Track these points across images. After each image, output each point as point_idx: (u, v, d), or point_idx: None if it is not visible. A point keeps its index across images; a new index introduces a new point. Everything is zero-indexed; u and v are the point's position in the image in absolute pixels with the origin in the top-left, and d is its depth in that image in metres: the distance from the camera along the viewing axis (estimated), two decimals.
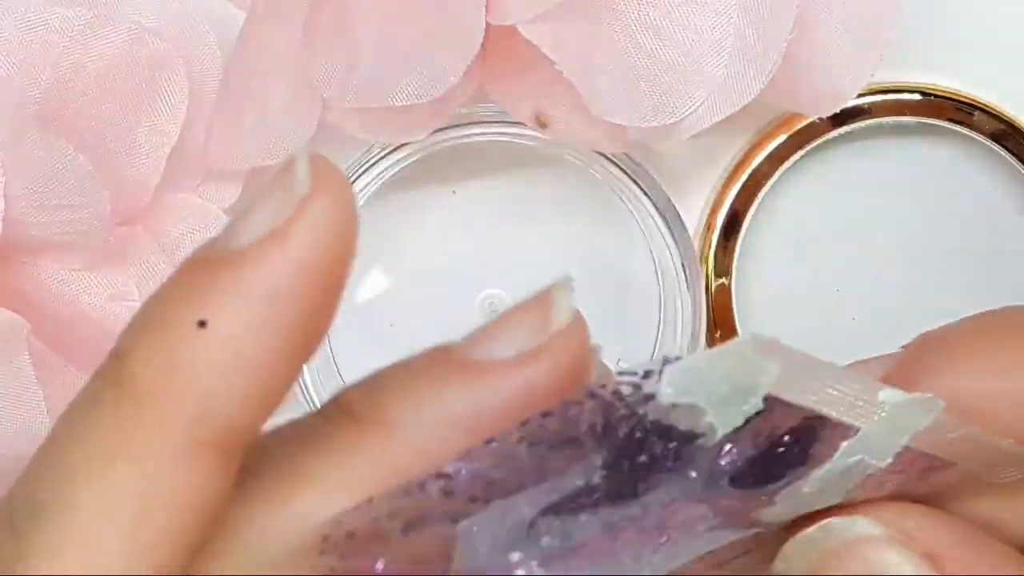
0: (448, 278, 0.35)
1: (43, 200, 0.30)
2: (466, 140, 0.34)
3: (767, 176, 0.35)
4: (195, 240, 0.32)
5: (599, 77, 0.30)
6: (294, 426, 0.21)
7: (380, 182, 0.34)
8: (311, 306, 0.19)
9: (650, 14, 0.30)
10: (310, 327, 0.19)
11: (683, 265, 0.34)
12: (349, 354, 0.36)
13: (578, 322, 0.20)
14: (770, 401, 0.18)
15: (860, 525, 0.21)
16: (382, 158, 0.33)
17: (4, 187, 0.29)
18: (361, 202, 0.34)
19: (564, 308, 0.20)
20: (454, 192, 0.36)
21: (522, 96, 0.32)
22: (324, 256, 0.19)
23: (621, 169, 0.34)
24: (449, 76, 0.30)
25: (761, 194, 0.35)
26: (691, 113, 0.30)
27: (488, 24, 0.30)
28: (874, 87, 0.35)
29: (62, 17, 0.30)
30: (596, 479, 0.18)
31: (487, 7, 0.29)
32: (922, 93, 0.35)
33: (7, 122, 0.29)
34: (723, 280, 0.36)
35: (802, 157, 0.35)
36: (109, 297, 0.32)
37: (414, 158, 0.34)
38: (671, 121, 0.30)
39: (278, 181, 0.19)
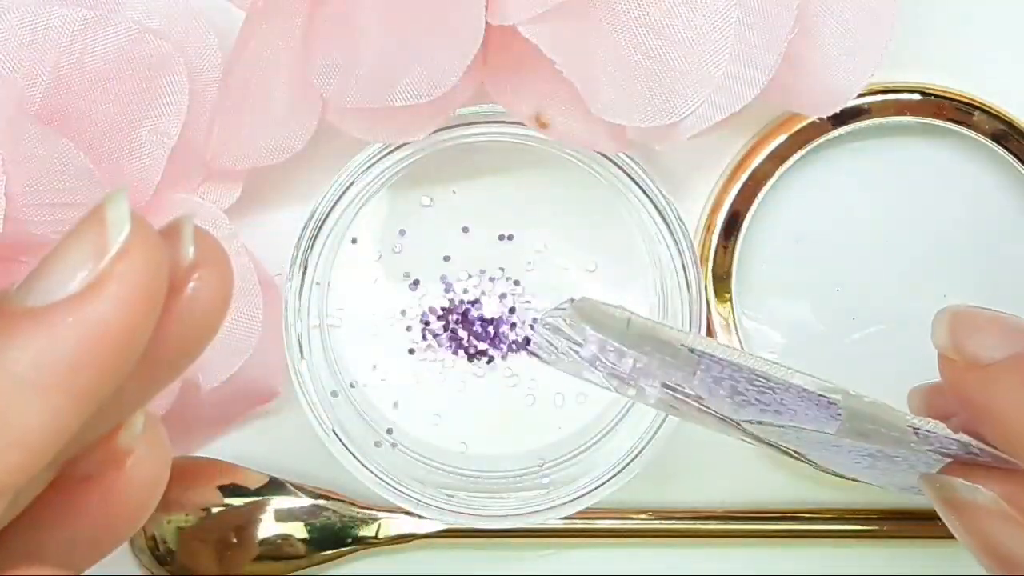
0: (448, 278, 0.35)
1: (44, 199, 0.30)
2: (466, 140, 0.34)
3: (767, 176, 0.35)
4: None
5: (599, 77, 0.30)
6: None
7: (380, 182, 0.34)
8: (102, 372, 0.18)
9: (650, 14, 0.30)
10: (97, 390, 0.18)
11: (683, 265, 0.34)
12: (348, 353, 0.36)
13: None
14: None
15: (980, 495, 0.25)
16: (382, 158, 0.33)
17: (5, 185, 0.29)
18: (362, 202, 0.34)
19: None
20: (454, 192, 0.36)
21: (522, 96, 0.32)
22: (126, 324, 0.18)
23: (621, 169, 0.34)
24: (449, 76, 0.30)
25: (761, 194, 0.35)
26: (691, 113, 0.30)
27: (488, 24, 0.30)
28: (874, 87, 0.35)
29: (63, 17, 0.30)
30: None
31: (487, 7, 0.29)
32: (922, 93, 0.35)
33: (8, 121, 0.29)
34: (723, 280, 0.36)
35: (802, 157, 0.35)
36: None
37: (414, 158, 0.34)
38: (671, 121, 0.30)
39: (86, 231, 0.18)
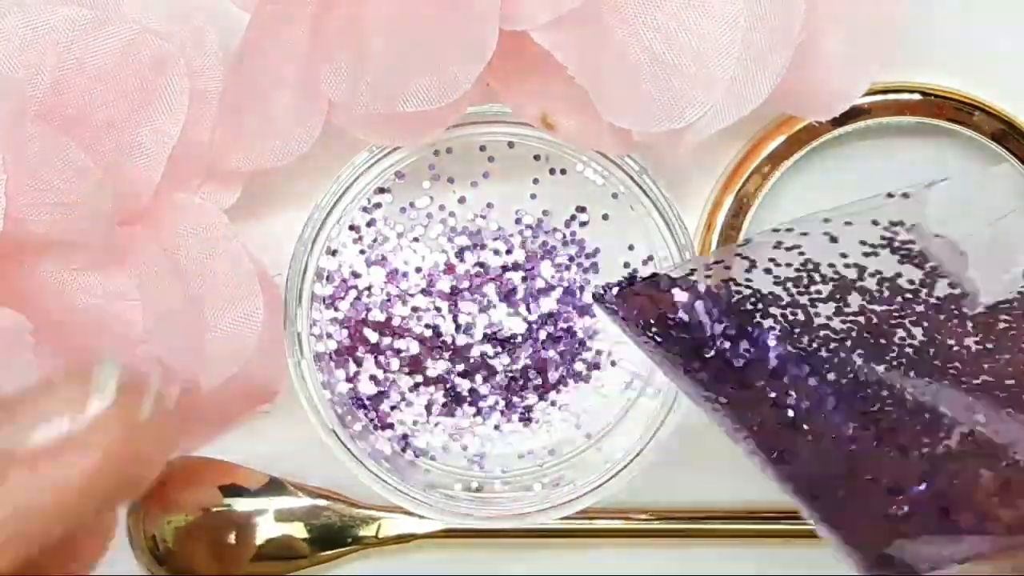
0: (447, 278, 0.35)
1: (44, 198, 0.30)
2: (469, 139, 0.34)
3: (767, 176, 0.35)
4: (195, 240, 0.32)
5: (609, 82, 0.30)
6: None
7: (381, 182, 0.34)
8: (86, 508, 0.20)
9: (659, 19, 0.30)
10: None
11: None
12: (347, 355, 0.36)
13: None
14: None
15: None
16: (383, 158, 0.33)
17: (5, 185, 0.29)
18: (362, 202, 0.34)
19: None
20: (454, 192, 0.36)
21: (529, 97, 0.32)
22: (110, 473, 0.20)
23: (622, 170, 0.34)
24: (462, 83, 0.30)
25: (761, 194, 0.35)
26: (699, 119, 0.30)
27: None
28: (874, 87, 0.35)
29: (64, 17, 0.30)
30: None
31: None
32: (922, 93, 0.35)
33: (9, 120, 0.29)
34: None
35: (802, 157, 0.35)
36: (109, 297, 0.32)
37: (414, 158, 0.34)
38: (680, 126, 0.30)
39: (73, 384, 0.20)
